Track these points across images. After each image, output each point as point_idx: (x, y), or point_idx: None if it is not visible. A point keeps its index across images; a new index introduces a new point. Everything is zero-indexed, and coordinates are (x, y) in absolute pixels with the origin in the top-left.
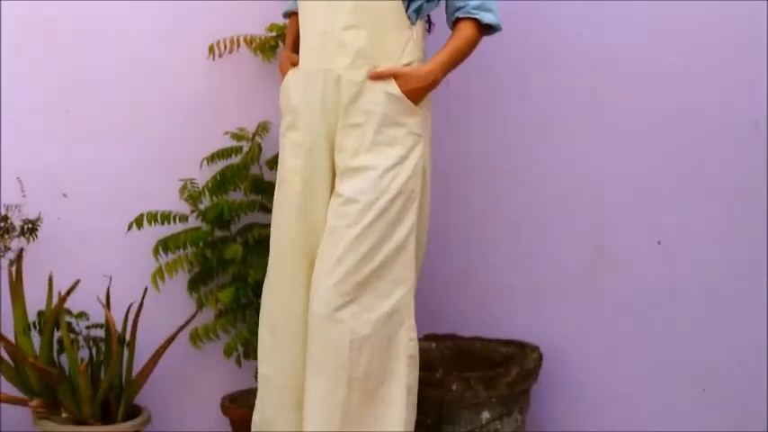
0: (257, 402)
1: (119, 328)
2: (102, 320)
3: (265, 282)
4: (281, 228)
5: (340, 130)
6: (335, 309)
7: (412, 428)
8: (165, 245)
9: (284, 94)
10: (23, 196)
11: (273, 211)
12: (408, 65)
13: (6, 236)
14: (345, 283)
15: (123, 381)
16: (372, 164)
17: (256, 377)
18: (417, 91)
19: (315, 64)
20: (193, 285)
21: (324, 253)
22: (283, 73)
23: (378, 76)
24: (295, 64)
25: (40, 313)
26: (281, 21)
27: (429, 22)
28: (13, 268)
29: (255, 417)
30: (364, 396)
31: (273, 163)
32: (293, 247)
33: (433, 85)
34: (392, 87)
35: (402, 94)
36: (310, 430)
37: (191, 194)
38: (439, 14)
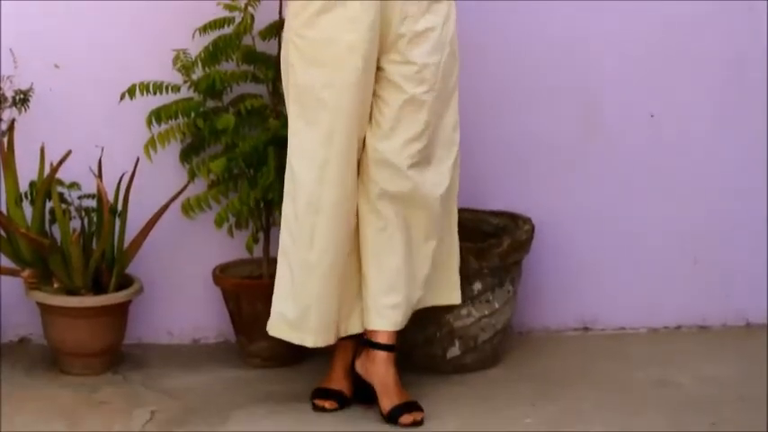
0: (286, 292)
1: (111, 198)
2: (94, 191)
3: (307, 165)
4: (333, 106)
5: None
6: (424, 169)
7: None
8: (157, 115)
9: None
10: (15, 67)
11: (315, 90)
12: None
13: None
14: (430, 143)
15: (115, 251)
16: (432, 24)
17: (248, 248)
18: None
19: None
20: (185, 156)
21: (405, 122)
22: None
23: None
24: None
25: (31, 184)
26: None
27: None
28: (5, 139)
29: (286, 308)
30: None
31: (266, 33)
32: (349, 123)
33: None
34: None
35: None
36: (404, 282)
37: (183, 64)
38: None
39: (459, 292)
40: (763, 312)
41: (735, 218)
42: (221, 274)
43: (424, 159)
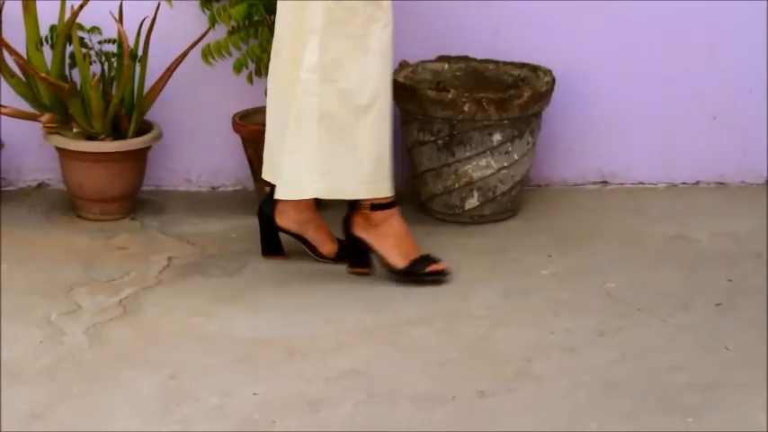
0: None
1: (131, 43)
2: (115, 36)
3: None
4: None
5: None
6: None
7: None
8: None
9: None
10: None
11: None
12: None
13: None
14: None
15: (135, 96)
16: None
17: (266, 94)
18: None
19: None
20: (206, 1)
21: None
22: None
23: None
24: None
25: (52, 28)
26: None
27: None
28: None
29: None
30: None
31: None
32: None
33: None
34: None
35: None
36: None
37: None
38: None
39: None
40: None
41: (754, 75)
42: (240, 122)
43: None
